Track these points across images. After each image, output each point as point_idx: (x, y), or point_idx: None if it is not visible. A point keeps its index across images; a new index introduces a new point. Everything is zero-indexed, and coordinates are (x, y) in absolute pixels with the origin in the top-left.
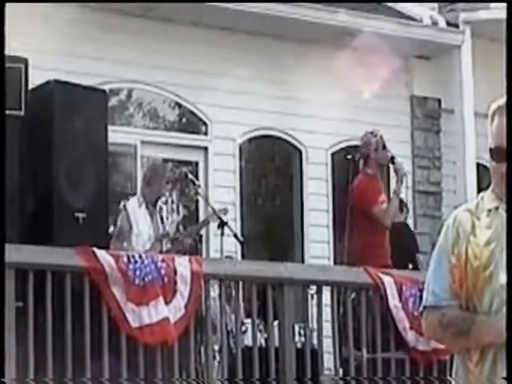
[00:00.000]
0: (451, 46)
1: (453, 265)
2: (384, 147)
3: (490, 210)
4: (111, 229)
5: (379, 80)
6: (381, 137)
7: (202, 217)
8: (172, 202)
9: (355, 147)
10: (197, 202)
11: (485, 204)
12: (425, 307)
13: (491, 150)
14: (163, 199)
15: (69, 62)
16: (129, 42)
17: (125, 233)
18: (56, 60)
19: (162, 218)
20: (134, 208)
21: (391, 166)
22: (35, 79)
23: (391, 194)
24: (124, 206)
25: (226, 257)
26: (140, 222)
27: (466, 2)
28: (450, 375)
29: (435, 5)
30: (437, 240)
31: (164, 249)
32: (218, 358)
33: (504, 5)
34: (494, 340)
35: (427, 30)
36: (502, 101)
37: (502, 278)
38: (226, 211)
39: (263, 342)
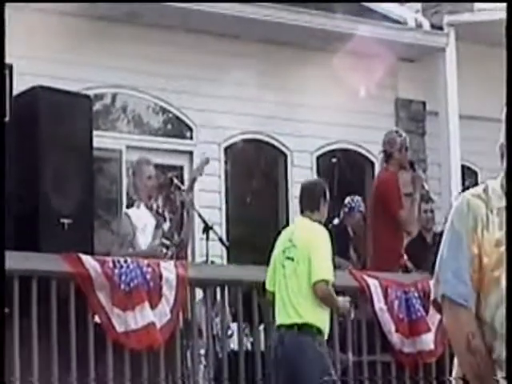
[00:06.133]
0: (436, 48)
1: (474, 254)
2: (406, 149)
3: (499, 209)
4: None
5: (364, 83)
6: (405, 138)
7: (186, 215)
8: (157, 207)
9: (340, 150)
10: (182, 206)
11: (493, 199)
12: (445, 297)
13: None
14: (152, 200)
15: (53, 68)
16: (113, 47)
17: (129, 237)
18: (40, 66)
19: (157, 211)
20: (134, 211)
21: (410, 173)
22: (20, 85)
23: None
24: (125, 213)
25: (212, 261)
26: (143, 218)
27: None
28: (450, 374)
29: (419, 7)
30: (451, 224)
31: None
32: (204, 362)
33: (488, 7)
34: None
35: (412, 32)
36: None
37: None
38: (207, 160)
39: (249, 345)
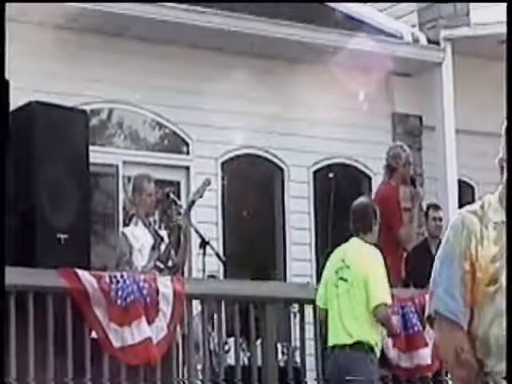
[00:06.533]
0: (432, 63)
1: (466, 271)
2: (410, 164)
3: (496, 223)
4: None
5: (360, 97)
6: (409, 153)
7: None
8: (154, 222)
9: (337, 165)
10: (179, 229)
11: (490, 213)
12: (436, 313)
13: None
14: (151, 217)
15: (49, 83)
16: (109, 62)
17: (125, 257)
18: (37, 81)
19: (155, 230)
20: (132, 229)
21: (410, 188)
22: (16, 100)
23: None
24: (122, 232)
25: (209, 276)
26: (141, 238)
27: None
28: (446, 375)
29: (416, 22)
30: (446, 241)
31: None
32: (200, 377)
33: (485, 21)
34: None
35: (408, 47)
36: None
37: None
38: (209, 182)
39: (246, 360)
